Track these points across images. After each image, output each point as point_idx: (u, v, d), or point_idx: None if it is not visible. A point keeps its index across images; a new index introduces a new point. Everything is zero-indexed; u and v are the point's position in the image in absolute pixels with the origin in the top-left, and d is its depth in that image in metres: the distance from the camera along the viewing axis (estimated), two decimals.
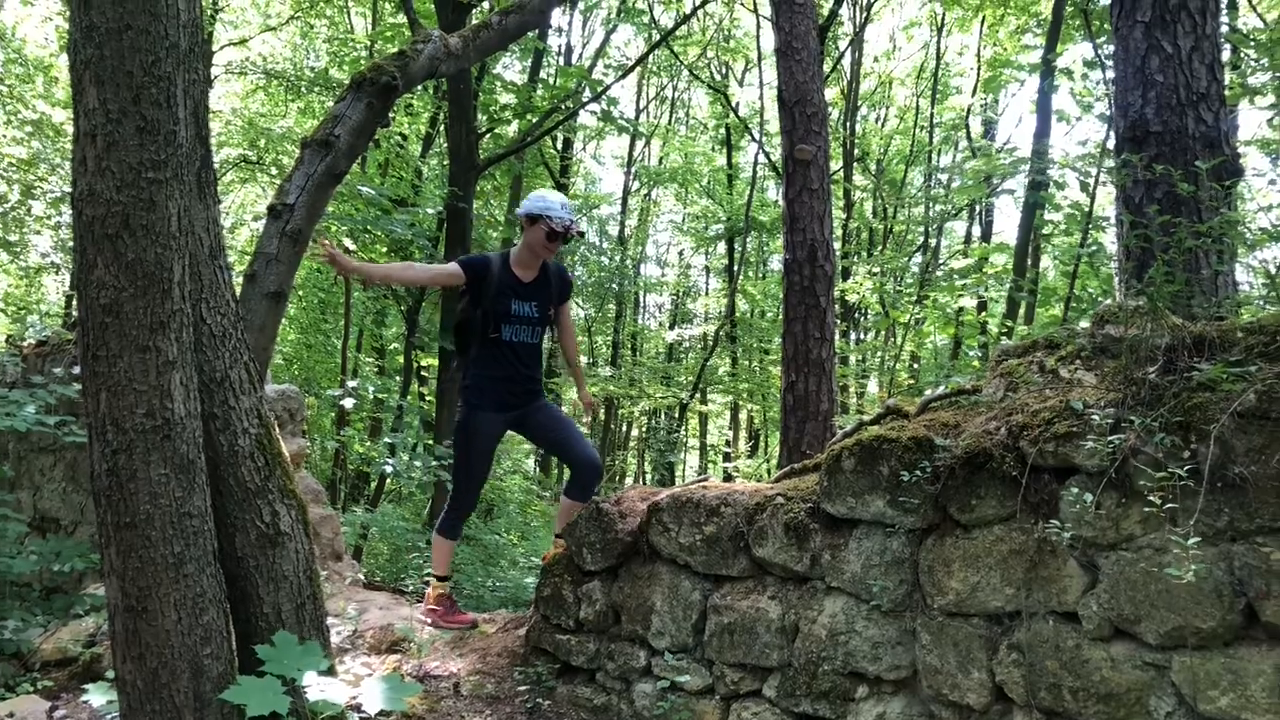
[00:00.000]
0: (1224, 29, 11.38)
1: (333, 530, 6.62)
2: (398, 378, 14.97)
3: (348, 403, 9.80)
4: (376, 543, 11.67)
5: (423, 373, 14.27)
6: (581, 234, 5.33)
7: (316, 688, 2.75)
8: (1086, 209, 9.16)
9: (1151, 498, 2.97)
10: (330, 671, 3.39)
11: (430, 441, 10.83)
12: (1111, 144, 7.00)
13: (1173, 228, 3.48)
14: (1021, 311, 13.74)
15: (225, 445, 3.47)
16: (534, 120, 12.15)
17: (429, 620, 5.30)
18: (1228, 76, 11.25)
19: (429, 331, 12.87)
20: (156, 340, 3.07)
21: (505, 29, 5.30)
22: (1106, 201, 10.12)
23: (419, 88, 14.70)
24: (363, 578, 6.74)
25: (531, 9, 5.31)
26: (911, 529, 3.60)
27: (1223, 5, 5.32)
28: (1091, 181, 8.99)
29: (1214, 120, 4.80)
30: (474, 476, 5.13)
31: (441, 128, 14.59)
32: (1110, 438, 3.14)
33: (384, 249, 12.60)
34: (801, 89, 7.25)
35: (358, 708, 2.99)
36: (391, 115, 14.95)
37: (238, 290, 4.44)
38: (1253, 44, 9.61)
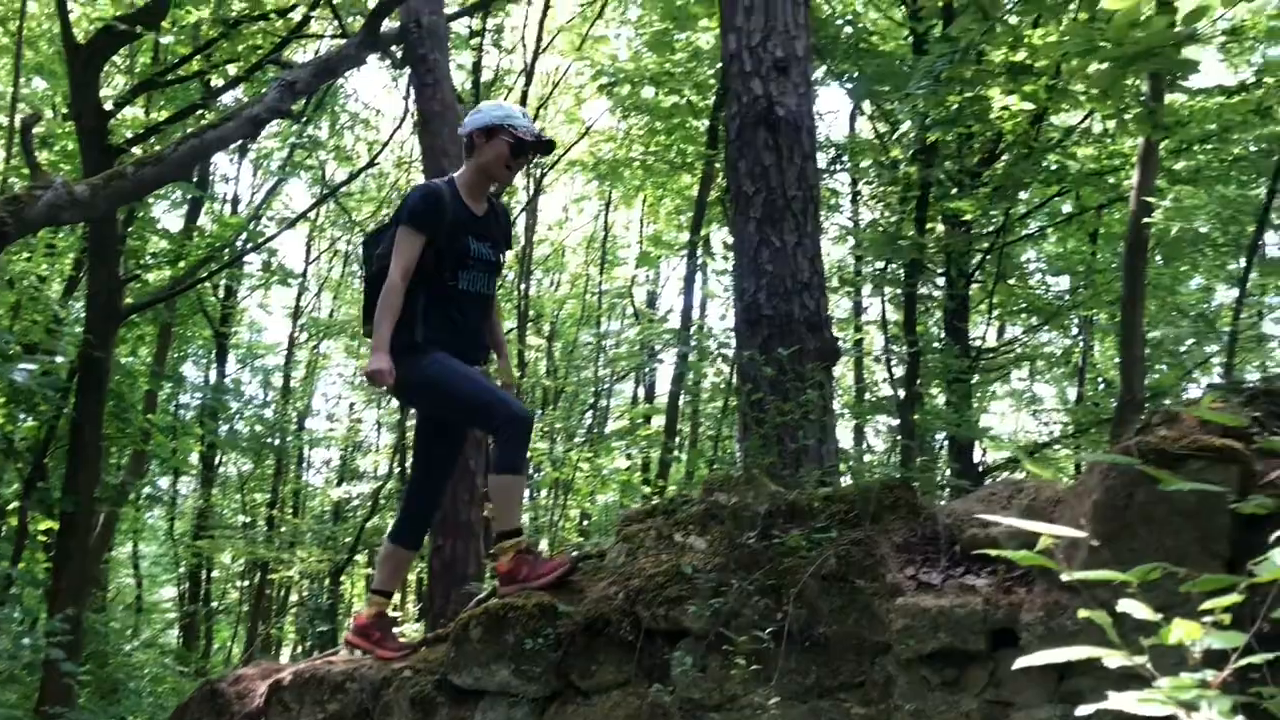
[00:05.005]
0: (848, 224, 12.97)
1: None
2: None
3: None
4: None
5: (40, 537, 12.85)
6: (553, 145, 4.44)
7: None
8: (728, 379, 9.90)
9: (739, 659, 3.15)
10: None
11: (44, 615, 9.68)
12: None
13: (765, 405, 3.84)
14: (679, 472, 14.45)
15: None
16: (187, 268, 11.65)
17: (515, 589, 3.90)
18: (852, 263, 12.78)
19: (48, 491, 11.68)
20: None
21: (141, 180, 5.11)
22: None
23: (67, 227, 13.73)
24: None
25: (172, 162, 5.17)
26: (535, 697, 3.60)
27: (821, 210, 6.05)
28: (730, 354, 9.76)
29: (815, 306, 5.39)
30: (490, 390, 4.05)
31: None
32: (713, 601, 3.33)
33: (2, 399, 11.41)
34: None
35: None
36: (28, 255, 13.80)
37: None
38: (865, 243, 10.98)
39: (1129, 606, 1.37)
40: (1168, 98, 9.27)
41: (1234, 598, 1.35)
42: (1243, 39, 11.84)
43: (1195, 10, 2.81)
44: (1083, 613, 1.39)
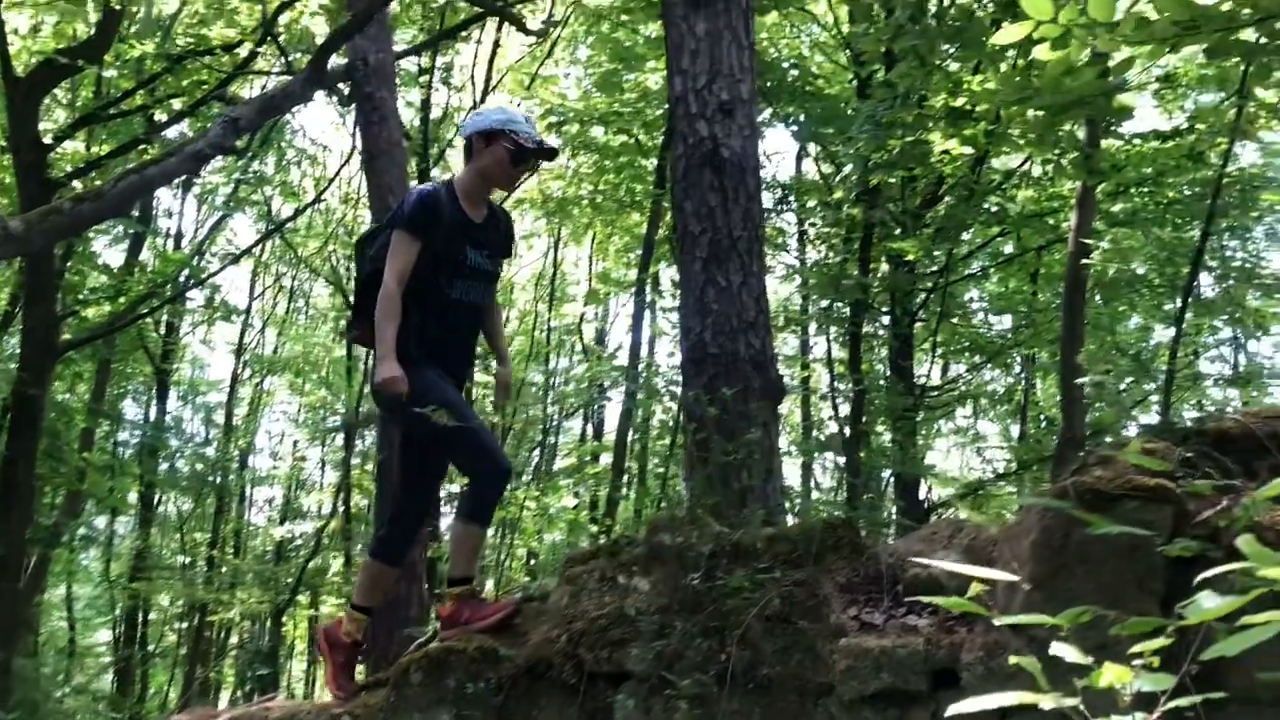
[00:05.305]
0: (795, 262, 13.11)
1: None
2: None
3: None
4: None
5: None
6: (555, 153, 4.29)
7: None
8: (676, 417, 9.92)
9: (682, 702, 3.13)
10: None
11: None
12: None
13: (710, 445, 3.85)
14: (627, 511, 14.40)
15: None
16: (127, 304, 11.47)
17: (456, 633, 3.79)
18: (799, 301, 12.89)
19: None
20: None
21: (79, 215, 5.03)
22: None
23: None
24: None
25: (111, 198, 5.09)
26: None
27: (768, 249, 6.12)
28: (678, 392, 9.79)
29: (761, 345, 5.41)
30: (477, 431, 3.89)
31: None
32: (655, 643, 3.31)
33: None
34: None
35: None
36: None
37: None
38: (811, 282, 11.11)
39: (1060, 650, 1.38)
40: (1105, 142, 9.52)
41: (1162, 641, 1.37)
42: (1176, 85, 12.22)
43: (1124, 61, 2.90)
44: (1013, 659, 1.40)
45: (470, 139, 4.02)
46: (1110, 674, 1.30)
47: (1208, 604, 1.34)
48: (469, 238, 3.95)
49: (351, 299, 4.28)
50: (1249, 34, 2.93)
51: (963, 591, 1.72)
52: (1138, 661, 1.35)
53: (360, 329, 4.04)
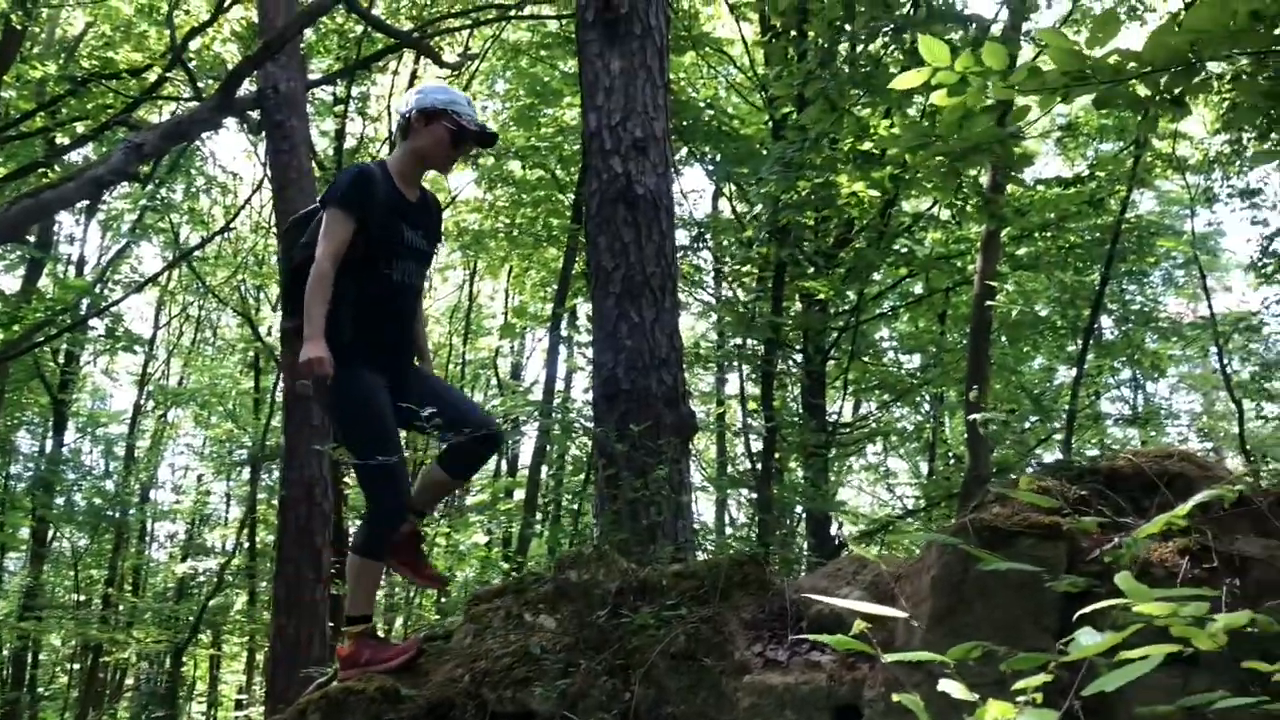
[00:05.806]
0: (712, 299, 13.21)
1: None
2: None
3: None
4: None
5: None
6: (495, 138, 4.09)
7: None
8: (590, 452, 9.87)
9: None
10: None
11: None
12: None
13: (618, 482, 3.83)
14: (541, 548, 14.25)
15: None
16: (22, 332, 11.08)
17: (356, 674, 3.62)
18: (715, 338, 12.97)
19: None
20: None
21: None
22: None
23: None
24: None
25: (3, 223, 4.91)
26: None
27: (680, 285, 6.15)
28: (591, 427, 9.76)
29: (673, 381, 5.42)
30: (390, 453, 3.61)
31: None
32: (560, 682, 3.27)
33: None
34: None
35: None
36: None
37: None
38: (728, 319, 11.21)
39: (948, 687, 1.39)
40: (1009, 188, 9.82)
41: (1044, 677, 1.39)
42: (1077, 134, 12.69)
43: (1020, 109, 3.01)
44: (895, 696, 1.40)
45: (408, 117, 3.84)
46: (994, 710, 1.31)
47: (1086, 640, 1.36)
48: (405, 216, 3.82)
49: (280, 290, 4.02)
50: (1142, 87, 3.04)
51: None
52: (1022, 698, 1.37)
53: (297, 318, 3.75)
